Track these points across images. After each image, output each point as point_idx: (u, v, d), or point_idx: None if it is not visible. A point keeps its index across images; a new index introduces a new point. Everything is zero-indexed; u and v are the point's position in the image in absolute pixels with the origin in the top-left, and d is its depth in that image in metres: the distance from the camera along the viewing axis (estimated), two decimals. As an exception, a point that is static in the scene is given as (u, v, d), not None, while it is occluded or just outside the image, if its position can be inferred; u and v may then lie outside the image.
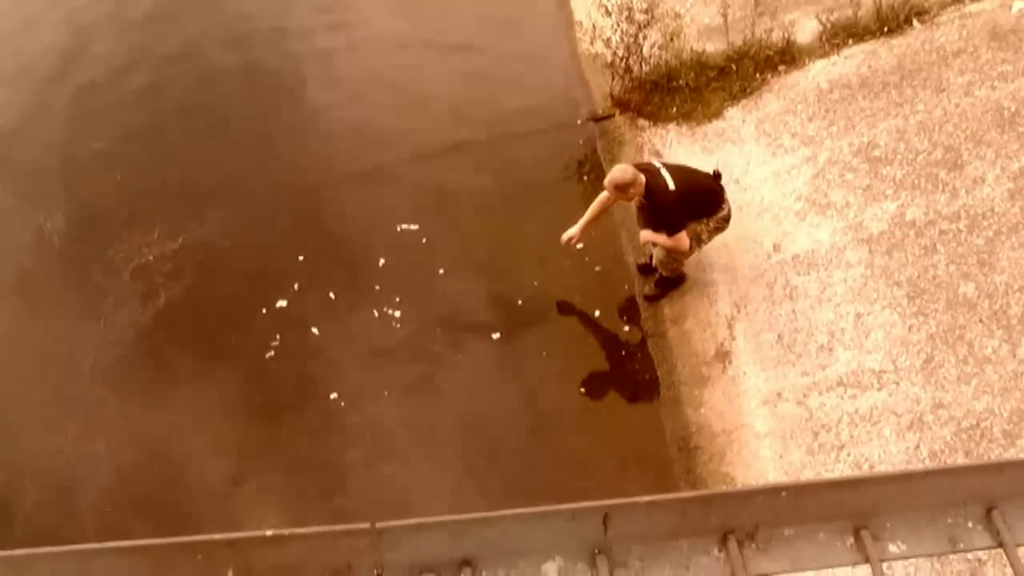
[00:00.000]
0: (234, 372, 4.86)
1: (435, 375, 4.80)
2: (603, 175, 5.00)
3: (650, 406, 4.65)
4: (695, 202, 4.40)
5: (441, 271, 5.21)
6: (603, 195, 4.60)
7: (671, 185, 4.30)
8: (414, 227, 5.41)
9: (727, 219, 4.57)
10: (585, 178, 5.64)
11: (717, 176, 4.53)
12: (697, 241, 4.53)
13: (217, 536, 1.32)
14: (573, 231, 4.69)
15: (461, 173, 5.69)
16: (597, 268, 5.20)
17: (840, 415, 4.11)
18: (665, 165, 4.47)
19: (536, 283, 5.14)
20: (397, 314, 5.01)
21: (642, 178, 4.31)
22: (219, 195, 5.58)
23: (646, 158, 5.39)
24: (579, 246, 4.87)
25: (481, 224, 5.45)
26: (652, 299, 5.01)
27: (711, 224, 4.53)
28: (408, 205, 5.53)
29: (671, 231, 4.36)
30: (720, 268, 4.92)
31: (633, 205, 4.58)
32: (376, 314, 5.02)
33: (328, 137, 5.90)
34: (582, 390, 4.73)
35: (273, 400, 4.75)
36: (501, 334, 4.94)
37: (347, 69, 6.28)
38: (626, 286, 5.16)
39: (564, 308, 5.10)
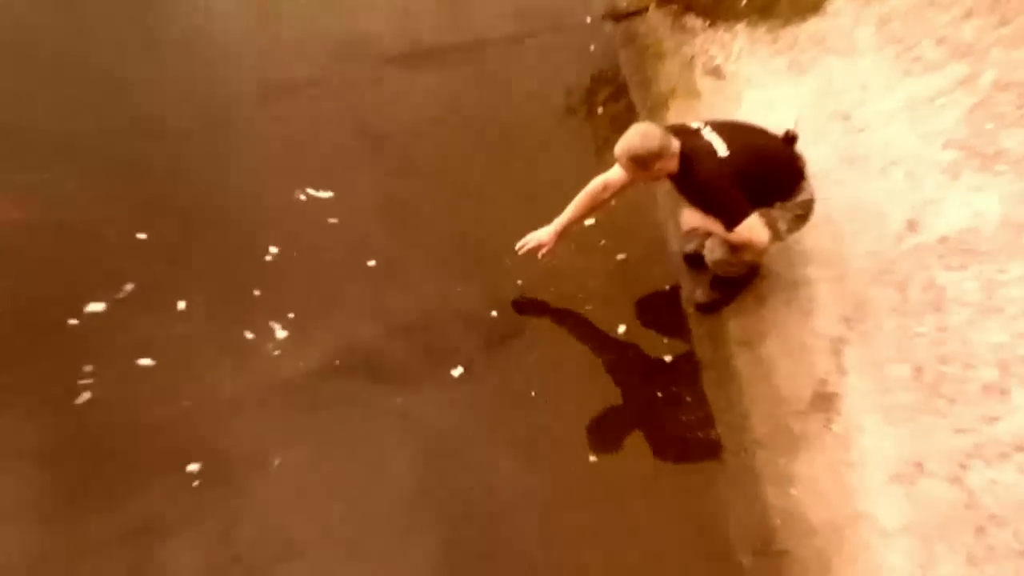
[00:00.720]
0: (25, 428, 4.32)
1: (356, 433, 4.31)
2: (630, 108, 5.05)
3: (707, 482, 4.14)
4: (759, 178, 4.00)
5: (371, 263, 4.78)
6: (603, 177, 4.20)
7: (721, 151, 3.89)
8: (326, 194, 5.02)
9: (810, 206, 4.23)
10: (600, 110, 5.29)
11: (791, 140, 4.12)
12: (775, 232, 4.14)
13: None
14: (543, 234, 4.37)
15: (405, 105, 5.39)
16: (620, 256, 4.75)
17: (1021, 500, 3.67)
18: (710, 123, 4.08)
19: (520, 282, 4.71)
20: (283, 335, 4.54)
21: (675, 144, 3.87)
22: (15, 145, 5.21)
23: (698, 80, 5.13)
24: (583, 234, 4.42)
25: (436, 187, 5.09)
26: (708, 308, 4.57)
27: (787, 212, 4.16)
28: (318, 157, 5.17)
29: (730, 221, 3.95)
30: (819, 258, 4.48)
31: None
32: (251, 336, 4.54)
33: (200, 54, 5.66)
34: (593, 458, 4.17)
35: (94, 474, 4.18)
36: (465, 367, 4.47)
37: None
38: (667, 287, 4.71)
39: (565, 323, 4.66)
